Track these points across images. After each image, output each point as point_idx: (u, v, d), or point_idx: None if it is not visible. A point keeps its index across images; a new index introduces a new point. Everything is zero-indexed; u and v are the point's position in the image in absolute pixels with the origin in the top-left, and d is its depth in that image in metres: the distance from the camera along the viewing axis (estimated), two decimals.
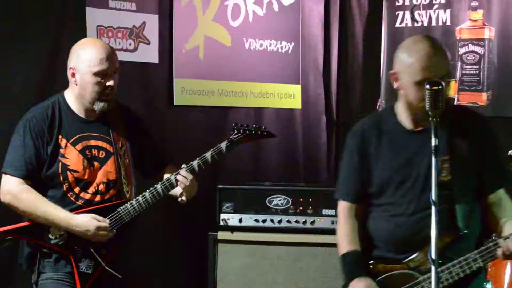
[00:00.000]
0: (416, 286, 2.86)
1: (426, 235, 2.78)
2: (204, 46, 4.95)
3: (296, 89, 5.43)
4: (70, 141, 3.31)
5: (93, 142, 3.35)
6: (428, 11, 5.31)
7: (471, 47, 5.19)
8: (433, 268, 2.46)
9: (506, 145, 4.31)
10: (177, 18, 4.82)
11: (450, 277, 2.79)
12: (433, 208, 2.49)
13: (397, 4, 5.40)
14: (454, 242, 2.82)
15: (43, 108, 3.34)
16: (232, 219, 4.45)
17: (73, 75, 3.32)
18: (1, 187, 3.30)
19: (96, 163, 3.33)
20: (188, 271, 4.84)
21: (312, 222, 4.42)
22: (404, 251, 2.90)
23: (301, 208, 4.45)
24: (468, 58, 5.19)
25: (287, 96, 5.37)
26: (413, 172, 2.90)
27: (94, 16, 4.42)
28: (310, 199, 4.44)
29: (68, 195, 3.28)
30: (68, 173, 3.27)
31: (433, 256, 2.46)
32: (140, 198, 3.35)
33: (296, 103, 5.43)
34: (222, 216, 4.46)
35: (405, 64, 2.86)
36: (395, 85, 2.94)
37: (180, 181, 3.35)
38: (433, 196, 2.50)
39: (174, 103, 4.84)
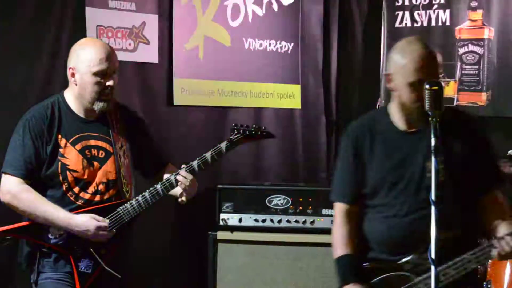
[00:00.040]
0: (411, 287, 2.86)
1: (420, 236, 2.79)
2: (204, 46, 4.95)
3: (296, 89, 5.44)
4: (70, 141, 3.30)
5: (92, 142, 3.35)
6: (428, 11, 5.31)
7: (471, 47, 5.19)
8: (433, 268, 2.46)
9: (506, 145, 4.33)
10: (177, 18, 4.82)
11: (445, 279, 2.78)
12: (433, 208, 2.49)
13: (396, 4, 5.41)
14: (449, 243, 2.83)
15: (42, 107, 3.34)
16: (232, 219, 4.46)
17: (73, 75, 3.31)
18: (0, 187, 3.29)
19: (95, 163, 3.33)
20: (188, 270, 4.84)
21: (312, 222, 4.43)
22: (398, 252, 2.89)
23: (300, 208, 4.45)
24: (468, 58, 5.20)
25: (287, 96, 5.38)
26: (406, 173, 2.91)
27: (93, 16, 4.42)
28: (310, 199, 4.45)
29: (68, 195, 3.28)
30: (68, 173, 3.27)
31: (433, 256, 2.46)
32: (139, 198, 3.34)
33: (295, 103, 5.43)
34: (222, 216, 4.46)
35: (399, 65, 2.87)
36: (389, 86, 2.95)
37: (180, 181, 3.35)
38: (433, 196, 2.50)
39: (174, 103, 4.84)
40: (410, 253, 2.87)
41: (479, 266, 3.91)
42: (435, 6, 5.29)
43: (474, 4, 5.16)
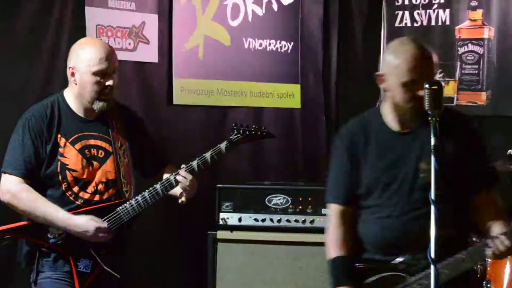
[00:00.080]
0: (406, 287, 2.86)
1: (414, 237, 2.82)
2: (204, 45, 4.95)
3: (296, 88, 5.43)
4: (69, 140, 3.30)
5: (92, 142, 3.35)
6: (428, 10, 5.31)
7: (471, 47, 5.19)
8: (432, 267, 2.46)
9: (506, 144, 4.33)
10: (177, 17, 4.82)
11: (440, 278, 2.78)
12: (432, 207, 2.49)
13: (396, 3, 5.41)
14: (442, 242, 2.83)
15: (42, 107, 3.34)
16: (231, 218, 4.46)
17: (73, 74, 3.31)
18: (0, 186, 3.29)
19: (95, 163, 3.32)
20: (187, 270, 4.84)
21: (312, 221, 4.42)
22: (392, 253, 2.90)
23: (300, 207, 4.45)
24: (468, 57, 5.20)
25: (287, 96, 5.38)
26: (400, 174, 2.91)
27: (93, 15, 4.42)
28: (310, 198, 4.45)
29: (67, 194, 3.28)
30: (67, 172, 3.27)
31: (432, 255, 2.46)
32: (139, 198, 3.34)
33: (295, 102, 5.43)
34: (222, 215, 4.46)
35: (392, 66, 2.87)
36: (382, 86, 2.95)
37: (179, 182, 3.35)
38: (433, 196, 2.50)
39: (174, 103, 4.85)
40: (404, 254, 2.87)
41: (479, 266, 3.95)
42: (435, 6, 5.29)
43: (474, 3, 5.17)
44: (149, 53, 4.71)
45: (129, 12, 4.60)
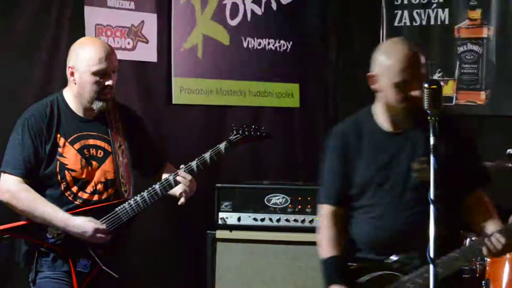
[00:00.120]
0: (399, 286, 2.86)
1: (406, 236, 2.84)
2: (203, 45, 4.95)
3: (295, 88, 5.43)
4: (68, 140, 3.30)
5: (91, 141, 3.34)
6: (427, 10, 5.31)
7: (470, 46, 5.19)
8: (431, 267, 2.46)
9: (505, 144, 4.32)
10: (176, 17, 4.82)
11: None
12: (431, 207, 2.49)
13: (395, 3, 5.40)
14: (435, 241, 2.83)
15: (41, 106, 3.34)
16: (230, 217, 4.46)
17: (72, 74, 3.31)
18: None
19: (94, 163, 3.32)
20: (186, 269, 4.84)
21: (311, 221, 4.42)
22: (384, 252, 2.91)
23: (299, 206, 4.45)
24: (467, 57, 5.20)
25: (286, 95, 5.37)
26: (392, 174, 2.92)
27: (92, 14, 4.42)
28: (309, 198, 4.44)
29: (66, 194, 3.27)
30: (66, 172, 3.27)
31: (432, 255, 2.46)
32: (138, 198, 3.34)
33: (294, 102, 5.43)
34: (221, 214, 4.46)
35: (384, 66, 2.88)
36: (374, 87, 2.95)
37: (179, 182, 3.35)
38: (432, 195, 2.50)
39: (173, 102, 4.84)
40: (398, 253, 2.88)
41: (478, 266, 3.96)
42: (434, 5, 5.29)
43: (473, 3, 5.16)
44: (148, 53, 4.71)
45: (128, 11, 4.60)
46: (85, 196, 3.30)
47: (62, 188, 3.27)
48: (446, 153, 2.85)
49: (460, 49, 5.21)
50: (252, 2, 5.19)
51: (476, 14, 5.15)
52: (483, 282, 3.94)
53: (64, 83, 3.41)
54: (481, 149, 3.11)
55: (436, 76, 5.23)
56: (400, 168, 2.90)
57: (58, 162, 3.27)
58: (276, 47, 5.32)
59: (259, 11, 5.23)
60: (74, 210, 3.25)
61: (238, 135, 3.44)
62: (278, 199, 4.47)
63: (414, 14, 5.34)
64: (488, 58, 5.13)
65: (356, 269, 2.96)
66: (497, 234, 2.78)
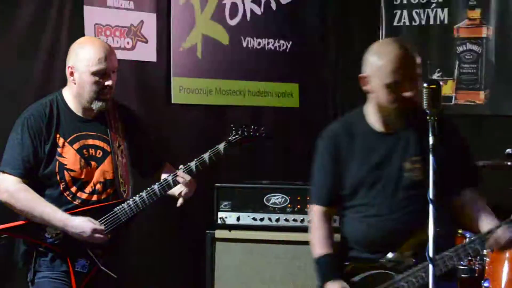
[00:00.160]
0: (393, 285, 2.87)
1: (399, 235, 2.85)
2: (202, 44, 4.95)
3: (294, 88, 5.43)
4: (68, 140, 3.30)
5: (90, 141, 3.34)
6: (426, 9, 5.31)
7: (469, 46, 5.20)
8: (431, 266, 2.46)
9: (504, 144, 4.33)
10: (175, 16, 4.82)
11: (426, 276, 2.78)
12: (431, 206, 2.49)
13: (395, 2, 5.41)
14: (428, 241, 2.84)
15: (41, 106, 3.33)
16: (230, 217, 4.45)
17: (72, 74, 3.31)
18: None
19: (93, 163, 3.32)
20: (185, 269, 4.84)
21: (310, 221, 4.41)
22: (378, 251, 2.92)
23: (298, 206, 4.45)
24: (466, 56, 5.20)
25: (285, 95, 5.38)
26: (384, 174, 2.93)
27: (91, 14, 4.41)
28: (308, 198, 4.42)
29: (65, 194, 3.27)
30: (65, 172, 3.27)
31: (431, 254, 2.46)
32: (137, 198, 3.34)
33: (294, 102, 5.43)
34: (220, 214, 4.46)
35: (375, 67, 2.88)
36: (366, 88, 2.95)
37: (178, 182, 3.35)
38: (431, 195, 2.51)
39: (172, 102, 4.84)
40: (391, 251, 2.89)
41: (477, 265, 3.96)
42: (433, 5, 5.29)
43: (472, 2, 5.17)
44: (147, 52, 4.71)
45: (128, 11, 4.60)
46: (84, 196, 3.30)
47: (61, 188, 3.27)
48: (440, 153, 2.86)
49: (460, 48, 5.22)
50: (251, 1, 5.19)
51: (476, 13, 5.16)
52: (482, 281, 3.95)
53: (64, 83, 3.41)
54: (480, 149, 3.13)
55: (435, 76, 5.24)
56: (392, 168, 2.92)
57: (57, 162, 3.26)
58: (275, 47, 5.32)
59: (258, 11, 5.23)
60: (73, 210, 3.25)
61: (237, 136, 3.44)
62: (278, 198, 4.47)
63: (414, 13, 5.34)
64: (488, 58, 5.13)
65: (350, 268, 2.96)
66: (499, 230, 2.78)
